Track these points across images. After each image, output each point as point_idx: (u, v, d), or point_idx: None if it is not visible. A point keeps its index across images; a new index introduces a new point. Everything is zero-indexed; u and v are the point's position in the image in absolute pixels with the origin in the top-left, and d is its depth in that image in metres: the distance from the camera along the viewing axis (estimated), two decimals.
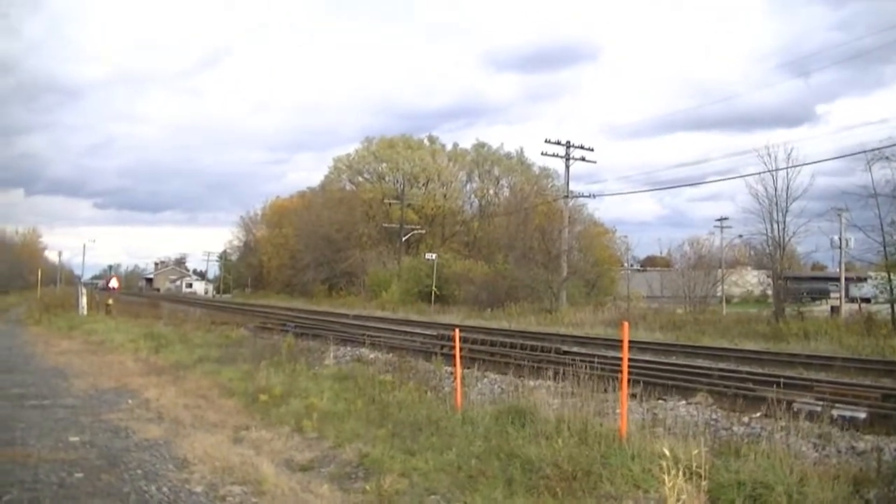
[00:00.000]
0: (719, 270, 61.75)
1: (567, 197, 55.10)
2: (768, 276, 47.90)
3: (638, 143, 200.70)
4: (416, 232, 79.57)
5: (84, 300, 43.20)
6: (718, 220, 70.36)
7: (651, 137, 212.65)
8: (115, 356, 21.17)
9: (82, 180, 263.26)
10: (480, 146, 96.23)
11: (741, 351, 25.26)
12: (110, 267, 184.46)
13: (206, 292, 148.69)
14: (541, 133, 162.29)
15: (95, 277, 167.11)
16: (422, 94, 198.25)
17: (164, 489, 8.11)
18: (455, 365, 13.31)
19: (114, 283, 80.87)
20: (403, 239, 76.24)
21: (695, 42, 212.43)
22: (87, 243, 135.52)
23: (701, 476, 7.22)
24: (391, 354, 21.33)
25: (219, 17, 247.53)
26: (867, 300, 45.67)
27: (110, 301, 47.02)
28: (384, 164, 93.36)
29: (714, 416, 12.98)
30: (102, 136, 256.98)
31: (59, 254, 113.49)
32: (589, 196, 58.74)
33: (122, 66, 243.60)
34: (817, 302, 57.50)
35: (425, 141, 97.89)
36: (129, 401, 13.79)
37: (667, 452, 7.30)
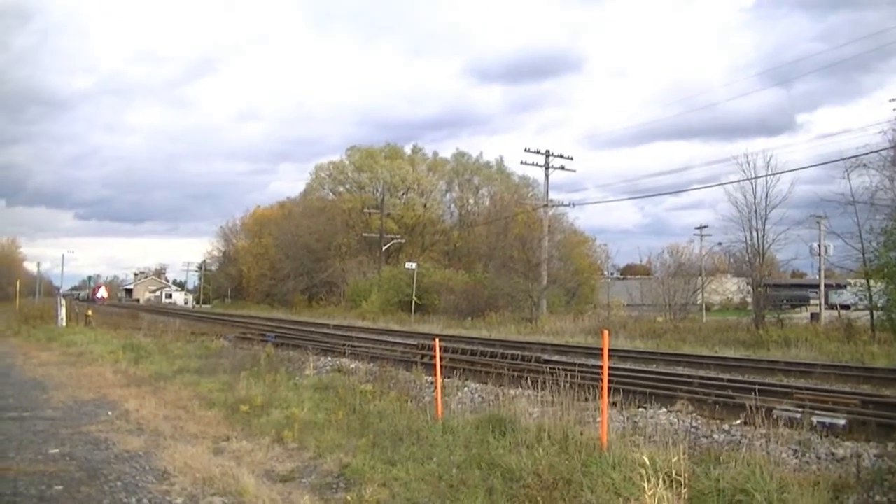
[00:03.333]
0: (699, 278, 61.92)
1: (547, 206, 55.14)
2: (748, 284, 48.09)
3: (620, 153, 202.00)
4: (395, 241, 79.46)
5: (63, 311, 42.89)
6: (698, 227, 70.75)
7: (633, 147, 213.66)
8: (94, 367, 21.02)
9: (65, 191, 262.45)
10: (460, 155, 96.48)
11: (721, 358, 25.30)
12: (90, 278, 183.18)
13: (185, 303, 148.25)
14: (523, 143, 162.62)
15: (75, 288, 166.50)
16: (406, 105, 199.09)
17: (145, 501, 8.07)
18: (435, 374, 13.32)
19: (102, 293, 79.21)
20: (383, 248, 76.14)
21: (679, 52, 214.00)
22: (66, 254, 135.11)
23: (681, 483, 7.25)
24: (372, 364, 21.30)
25: (208, 28, 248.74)
26: (847, 307, 45.90)
27: (90, 312, 46.77)
28: (364, 174, 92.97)
29: (694, 424, 12.97)
30: (87, 146, 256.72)
31: (38, 264, 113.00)
32: (568, 205, 58.96)
33: (109, 77, 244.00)
34: (797, 309, 57.73)
35: (406, 150, 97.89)
36: (109, 412, 13.69)
37: (647, 460, 7.33)
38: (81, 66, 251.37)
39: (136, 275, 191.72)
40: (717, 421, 13.33)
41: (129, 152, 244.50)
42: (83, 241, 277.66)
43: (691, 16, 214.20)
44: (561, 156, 53.90)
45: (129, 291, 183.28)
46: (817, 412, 13.04)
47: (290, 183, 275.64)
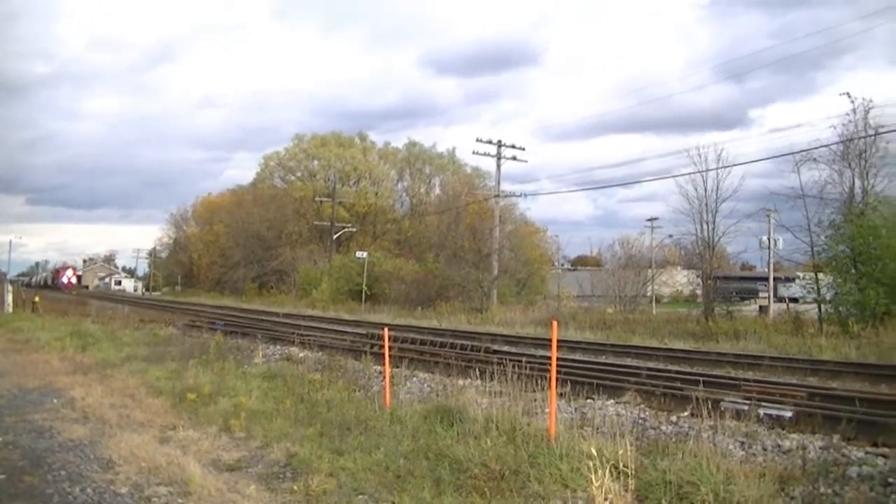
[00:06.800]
0: (649, 270, 62.26)
1: (498, 196, 55.19)
2: (698, 276, 48.35)
3: (574, 145, 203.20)
4: (347, 230, 79.13)
5: (9, 297, 42.40)
6: (649, 220, 71.09)
7: (587, 139, 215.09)
8: (40, 355, 20.78)
9: (17, 176, 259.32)
10: (412, 145, 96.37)
11: (670, 350, 25.40)
12: (37, 264, 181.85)
13: (135, 290, 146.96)
14: (477, 134, 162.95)
15: (23, 275, 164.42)
16: (363, 95, 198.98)
17: (89, 490, 7.97)
18: (384, 364, 13.29)
19: (69, 277, 76.15)
20: (334, 237, 75.83)
21: (636, 46, 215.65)
22: (13, 239, 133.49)
23: (629, 475, 7.25)
24: (321, 353, 21.20)
25: (168, 14, 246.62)
26: (795, 300, 46.36)
27: (37, 299, 46.29)
28: (315, 162, 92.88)
29: (642, 416, 13.01)
30: (42, 132, 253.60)
31: None
32: (520, 195, 59.04)
33: (68, 63, 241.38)
34: (746, 302, 58.14)
35: (356, 139, 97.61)
36: (55, 400, 13.52)
37: (594, 452, 7.33)
38: (40, 50, 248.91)
39: (84, 261, 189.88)
40: (665, 412, 13.39)
41: (86, 138, 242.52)
42: (33, 227, 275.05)
43: (649, 9, 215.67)
44: (513, 146, 54.12)
45: (78, 278, 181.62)
46: (764, 404, 13.12)
47: (244, 171, 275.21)
